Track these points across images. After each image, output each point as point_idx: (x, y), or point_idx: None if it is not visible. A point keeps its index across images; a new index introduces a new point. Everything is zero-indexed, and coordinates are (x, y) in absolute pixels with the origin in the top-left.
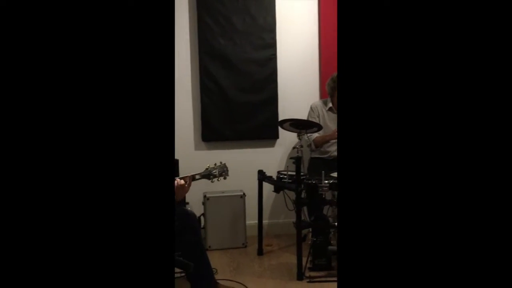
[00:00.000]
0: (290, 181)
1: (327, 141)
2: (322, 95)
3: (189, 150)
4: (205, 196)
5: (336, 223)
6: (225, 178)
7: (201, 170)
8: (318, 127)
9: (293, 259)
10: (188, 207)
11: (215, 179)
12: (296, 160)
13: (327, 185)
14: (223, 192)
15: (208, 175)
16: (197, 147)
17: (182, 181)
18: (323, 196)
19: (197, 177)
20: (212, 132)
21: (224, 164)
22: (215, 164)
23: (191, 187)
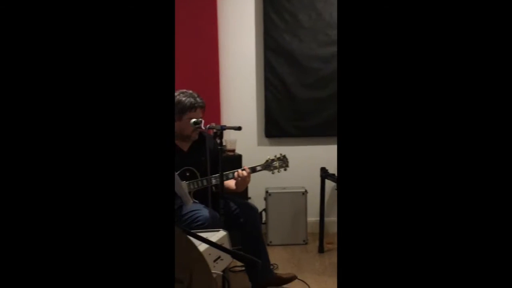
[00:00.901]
0: None
1: None
2: None
3: (252, 146)
4: (267, 192)
5: None
6: (285, 170)
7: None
8: None
9: None
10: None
11: (276, 171)
12: None
13: None
14: (285, 188)
15: (268, 166)
16: (260, 143)
17: (244, 172)
18: None
19: (258, 168)
20: (276, 128)
21: (284, 155)
22: (275, 156)
23: (253, 182)
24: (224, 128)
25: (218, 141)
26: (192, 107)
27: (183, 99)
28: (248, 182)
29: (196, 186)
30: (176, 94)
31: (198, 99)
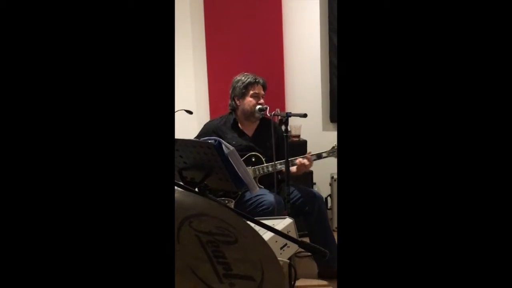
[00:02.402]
0: None
1: None
2: None
3: (317, 131)
4: (332, 178)
5: None
6: None
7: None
8: None
9: None
10: (315, 188)
11: None
12: None
13: None
14: None
15: (334, 153)
16: (325, 128)
17: (306, 161)
18: None
19: (323, 155)
20: None
21: None
22: None
23: (319, 168)
24: (289, 115)
25: (284, 128)
26: (253, 83)
27: (243, 78)
28: (309, 168)
29: (261, 172)
30: (236, 76)
31: (258, 77)
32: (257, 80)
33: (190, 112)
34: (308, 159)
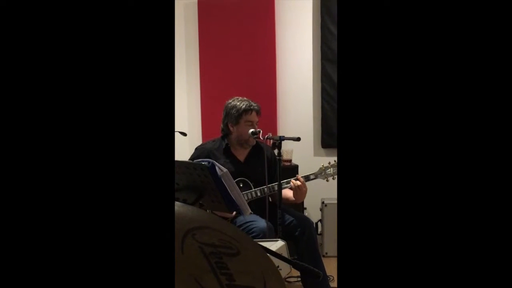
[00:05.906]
0: None
1: None
2: None
3: (308, 156)
4: (323, 203)
5: None
6: None
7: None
8: None
9: None
10: (306, 213)
11: (330, 178)
12: None
13: None
14: None
15: (322, 174)
16: (316, 153)
17: (298, 182)
18: None
19: (311, 177)
20: (332, 138)
21: None
22: (329, 163)
23: (309, 193)
24: (283, 138)
25: (276, 151)
26: (248, 110)
27: (238, 103)
28: (305, 191)
29: (250, 197)
30: (230, 100)
31: (252, 103)
32: (251, 107)
33: (184, 134)
34: (299, 179)
